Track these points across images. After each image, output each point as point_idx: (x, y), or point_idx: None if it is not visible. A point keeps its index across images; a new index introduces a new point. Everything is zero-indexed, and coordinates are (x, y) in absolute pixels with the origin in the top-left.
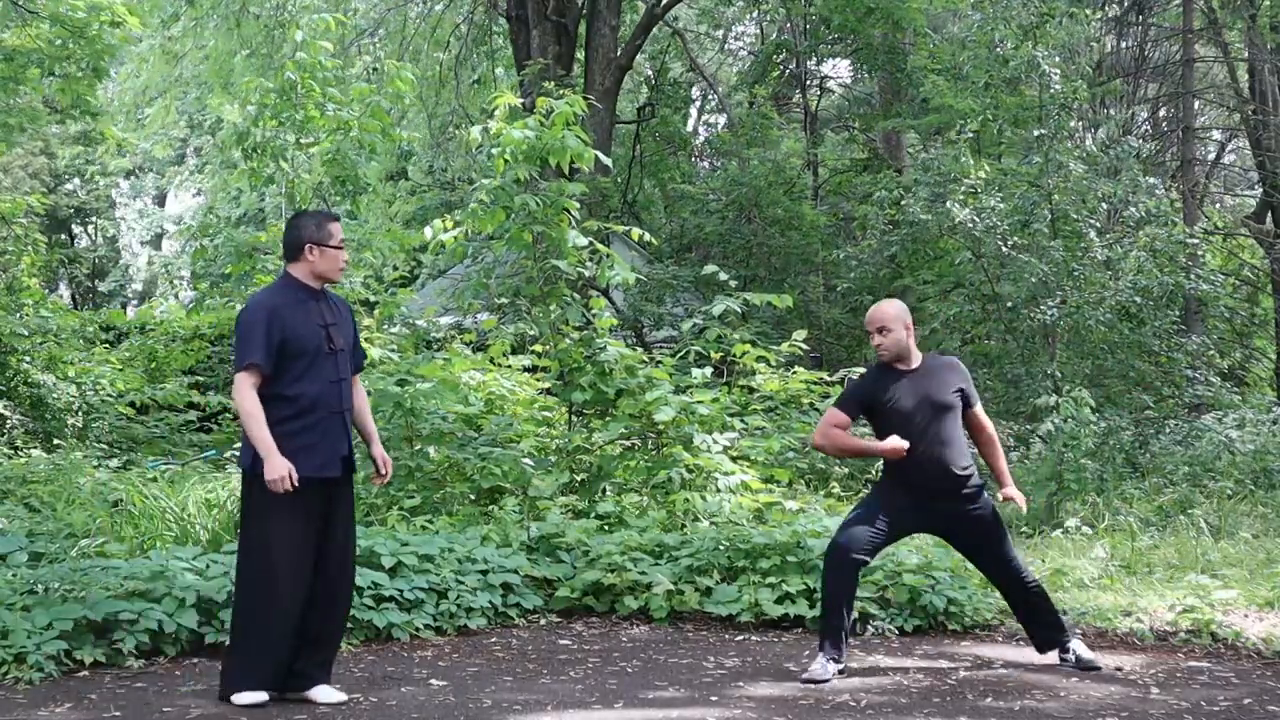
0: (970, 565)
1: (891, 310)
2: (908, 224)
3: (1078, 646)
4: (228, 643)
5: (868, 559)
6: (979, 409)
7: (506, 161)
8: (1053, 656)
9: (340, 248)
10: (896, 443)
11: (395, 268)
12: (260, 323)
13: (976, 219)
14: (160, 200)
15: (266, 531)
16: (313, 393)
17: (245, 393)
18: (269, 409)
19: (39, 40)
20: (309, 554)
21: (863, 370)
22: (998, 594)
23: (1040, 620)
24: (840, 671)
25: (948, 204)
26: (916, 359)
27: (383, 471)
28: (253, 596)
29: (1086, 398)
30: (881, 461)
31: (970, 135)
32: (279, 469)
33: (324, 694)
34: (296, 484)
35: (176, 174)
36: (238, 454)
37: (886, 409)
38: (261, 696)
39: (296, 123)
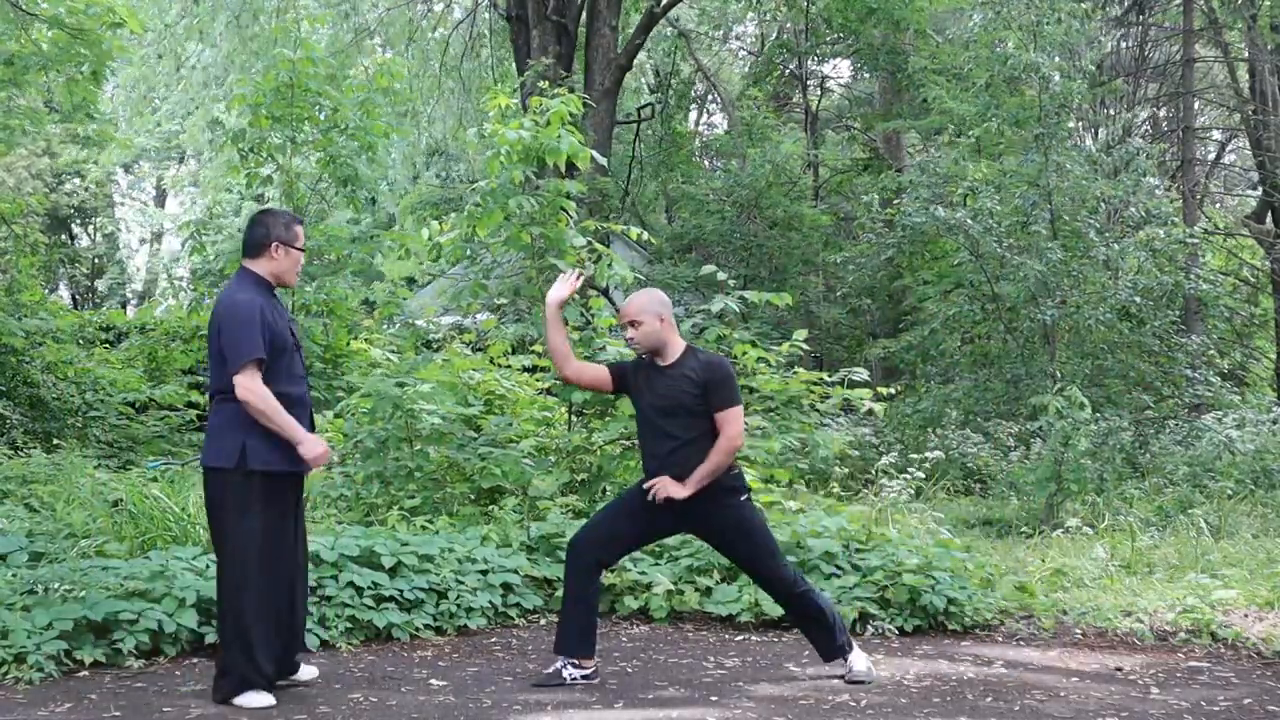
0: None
1: (640, 301)
2: (905, 225)
3: (855, 659)
4: (221, 646)
5: (608, 559)
6: (723, 413)
7: (502, 163)
8: (839, 666)
9: (302, 250)
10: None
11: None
12: (256, 319)
13: (972, 221)
14: (160, 200)
15: (252, 529)
16: (292, 389)
17: (258, 386)
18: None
19: (40, 42)
20: (289, 547)
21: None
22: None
23: (811, 631)
24: (588, 676)
25: (937, 209)
26: (676, 353)
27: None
28: (246, 596)
29: (1078, 395)
30: None
31: (972, 140)
32: (318, 445)
33: (305, 672)
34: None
35: (175, 173)
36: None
37: (634, 401)
38: (269, 699)
39: (291, 121)
